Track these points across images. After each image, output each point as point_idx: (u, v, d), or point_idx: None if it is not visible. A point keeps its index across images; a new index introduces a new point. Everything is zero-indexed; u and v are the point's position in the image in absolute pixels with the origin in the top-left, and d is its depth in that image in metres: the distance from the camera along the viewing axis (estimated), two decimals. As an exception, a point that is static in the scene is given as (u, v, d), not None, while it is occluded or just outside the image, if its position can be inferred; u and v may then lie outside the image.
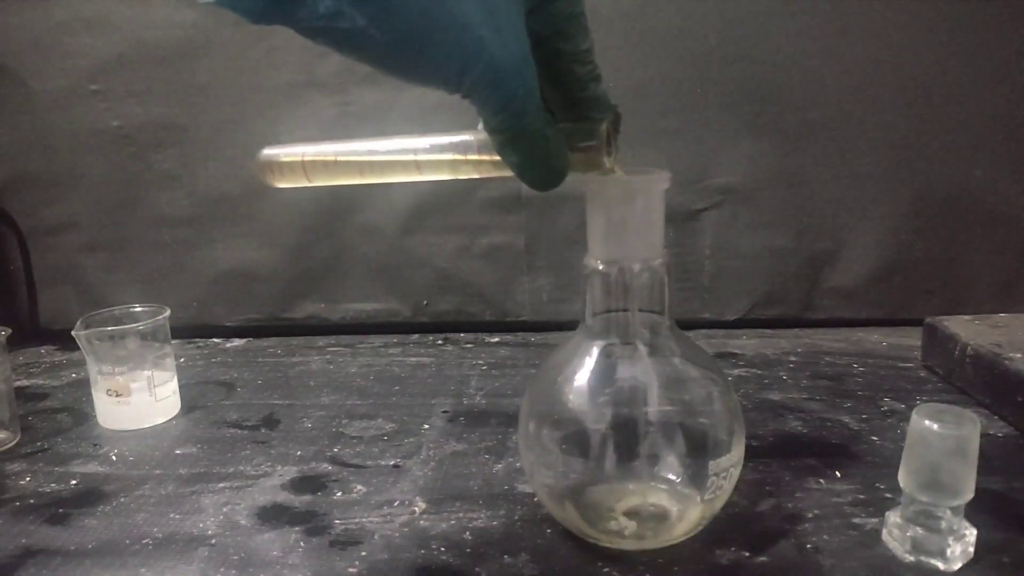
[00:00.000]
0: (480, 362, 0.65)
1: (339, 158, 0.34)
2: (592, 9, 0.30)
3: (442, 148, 0.33)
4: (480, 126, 0.30)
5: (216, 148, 0.71)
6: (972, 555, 0.35)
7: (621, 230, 0.34)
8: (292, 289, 0.74)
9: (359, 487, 0.44)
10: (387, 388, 0.60)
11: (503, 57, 0.26)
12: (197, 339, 0.74)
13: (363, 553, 0.37)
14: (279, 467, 0.47)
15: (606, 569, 0.35)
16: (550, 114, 0.30)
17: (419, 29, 0.25)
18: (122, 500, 0.44)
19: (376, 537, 0.39)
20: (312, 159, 0.34)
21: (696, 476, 0.35)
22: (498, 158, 0.31)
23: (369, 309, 0.74)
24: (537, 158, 0.30)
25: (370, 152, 0.34)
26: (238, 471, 0.47)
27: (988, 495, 0.39)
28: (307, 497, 0.43)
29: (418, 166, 0.33)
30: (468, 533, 0.39)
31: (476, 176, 0.33)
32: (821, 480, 0.43)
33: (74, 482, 0.46)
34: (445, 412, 0.54)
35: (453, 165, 0.33)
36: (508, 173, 0.31)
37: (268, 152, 0.35)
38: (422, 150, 0.33)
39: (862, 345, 0.66)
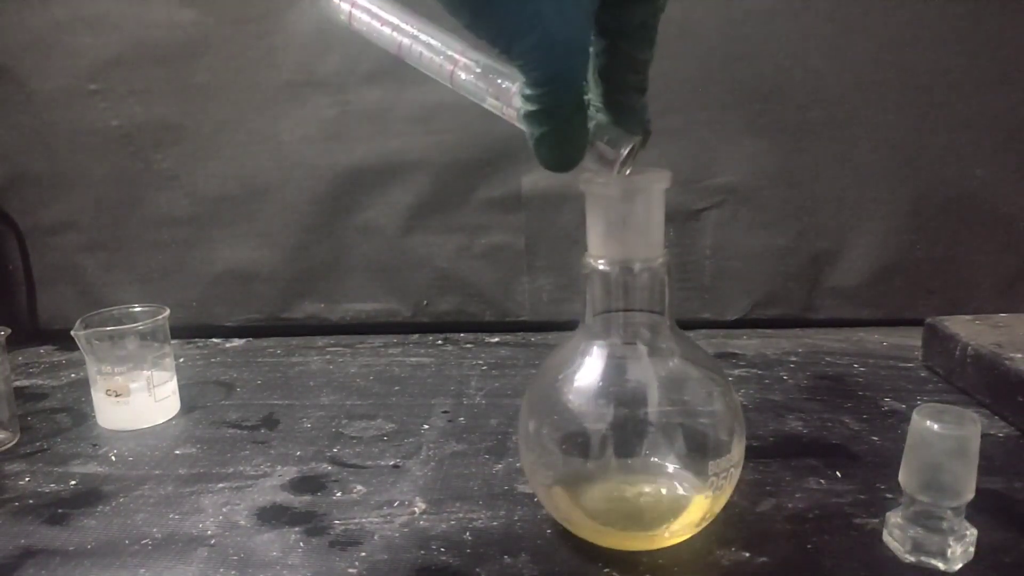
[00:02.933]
0: (480, 362, 0.65)
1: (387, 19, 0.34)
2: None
3: (480, 75, 0.32)
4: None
5: (216, 148, 0.71)
6: (973, 555, 0.35)
7: (621, 229, 0.34)
8: (292, 289, 0.74)
9: (359, 487, 0.44)
10: (387, 388, 0.60)
11: (558, 35, 0.26)
12: (197, 339, 0.74)
13: (363, 553, 0.37)
14: (279, 467, 0.47)
15: (606, 570, 0.35)
16: (584, 101, 0.30)
17: None
18: (121, 500, 0.44)
19: (376, 537, 0.39)
20: (363, 5, 0.34)
21: (696, 476, 0.35)
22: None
23: (369, 309, 0.74)
24: (557, 140, 0.29)
25: (415, 35, 0.33)
26: (238, 471, 0.47)
27: (989, 495, 0.39)
28: (307, 497, 0.43)
29: (452, 78, 0.33)
30: (468, 533, 0.39)
31: (498, 114, 0.32)
32: (821, 480, 0.43)
33: (73, 482, 0.46)
34: (445, 412, 0.54)
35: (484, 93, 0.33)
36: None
37: None
38: (462, 65, 0.32)
39: (863, 345, 0.66)
